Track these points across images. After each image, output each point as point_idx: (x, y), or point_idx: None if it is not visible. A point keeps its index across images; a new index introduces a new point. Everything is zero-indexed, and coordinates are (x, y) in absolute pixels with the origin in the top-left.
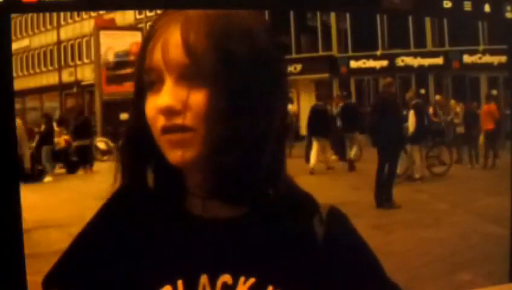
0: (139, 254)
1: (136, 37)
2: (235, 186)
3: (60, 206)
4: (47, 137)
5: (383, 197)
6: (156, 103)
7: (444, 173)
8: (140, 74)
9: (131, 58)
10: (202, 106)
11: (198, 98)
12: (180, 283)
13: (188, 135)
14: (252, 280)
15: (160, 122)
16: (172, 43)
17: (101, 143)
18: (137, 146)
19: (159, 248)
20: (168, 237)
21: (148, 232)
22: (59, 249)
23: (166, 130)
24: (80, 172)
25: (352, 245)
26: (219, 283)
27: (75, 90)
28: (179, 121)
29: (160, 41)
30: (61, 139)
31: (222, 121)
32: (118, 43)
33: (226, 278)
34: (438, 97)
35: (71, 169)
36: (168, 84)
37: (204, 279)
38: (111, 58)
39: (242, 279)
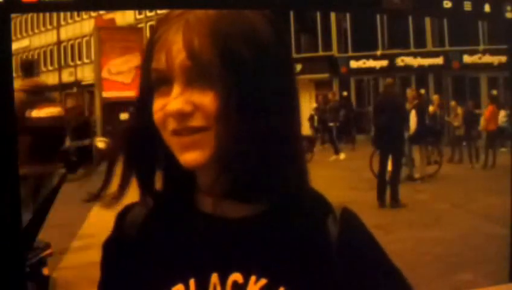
0: (151, 254)
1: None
2: (249, 185)
3: (60, 205)
4: None
5: (385, 197)
6: (166, 107)
7: (435, 174)
8: (146, 76)
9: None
10: (212, 106)
11: (207, 99)
12: (192, 281)
13: (200, 136)
14: (263, 281)
15: (171, 125)
16: (176, 47)
17: (100, 143)
18: (143, 147)
19: (171, 247)
20: (179, 236)
21: (160, 231)
22: (59, 249)
23: (177, 132)
24: (80, 172)
25: (365, 245)
26: (229, 282)
27: (75, 90)
28: (190, 122)
29: (164, 47)
30: None
31: (234, 119)
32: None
33: (236, 276)
34: (435, 97)
35: (71, 169)
36: (176, 88)
37: (215, 278)
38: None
39: (253, 279)
